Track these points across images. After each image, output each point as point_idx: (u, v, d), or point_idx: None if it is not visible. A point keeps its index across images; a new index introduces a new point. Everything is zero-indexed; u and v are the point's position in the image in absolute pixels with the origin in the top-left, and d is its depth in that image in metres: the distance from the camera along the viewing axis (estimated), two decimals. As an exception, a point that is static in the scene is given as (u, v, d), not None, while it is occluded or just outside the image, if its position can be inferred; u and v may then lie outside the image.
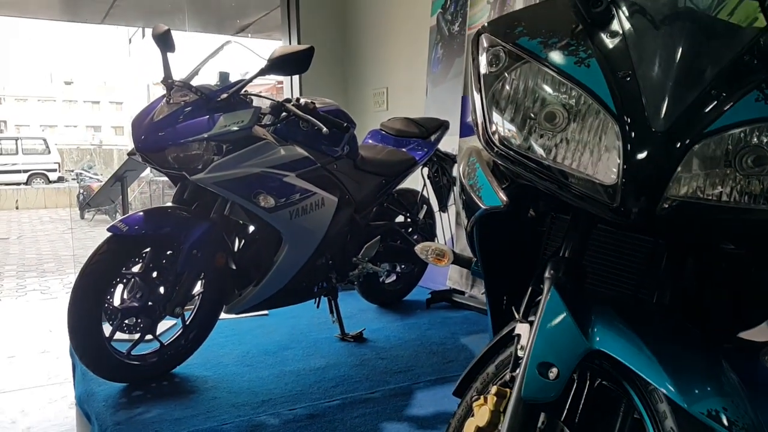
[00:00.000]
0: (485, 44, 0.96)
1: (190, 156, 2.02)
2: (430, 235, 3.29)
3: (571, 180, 0.86)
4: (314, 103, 2.26)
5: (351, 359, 2.41)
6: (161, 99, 2.13)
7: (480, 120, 0.95)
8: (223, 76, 2.26)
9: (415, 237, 3.16)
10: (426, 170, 3.21)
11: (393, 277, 3.31)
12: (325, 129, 2.16)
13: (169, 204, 2.20)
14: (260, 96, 2.26)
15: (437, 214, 3.32)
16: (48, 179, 17.10)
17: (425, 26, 3.89)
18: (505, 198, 1.00)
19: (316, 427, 1.82)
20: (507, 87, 0.92)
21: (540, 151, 0.89)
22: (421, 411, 1.95)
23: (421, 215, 3.16)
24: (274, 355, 2.46)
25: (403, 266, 3.29)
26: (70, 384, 2.95)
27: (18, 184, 16.15)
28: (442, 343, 2.61)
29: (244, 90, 2.16)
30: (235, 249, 2.37)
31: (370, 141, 3.17)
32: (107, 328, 2.07)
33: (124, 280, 2.10)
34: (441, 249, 1.17)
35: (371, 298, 3.24)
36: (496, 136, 0.93)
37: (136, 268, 2.13)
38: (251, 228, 2.38)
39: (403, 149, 3.03)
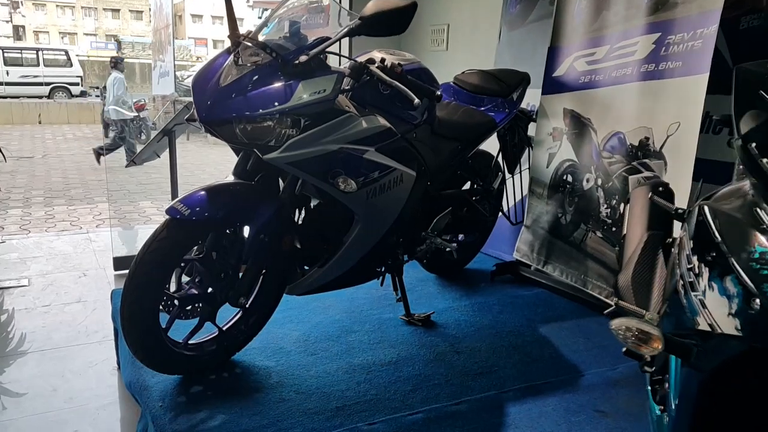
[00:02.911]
0: None
1: (262, 129, 1.72)
2: (498, 203, 3.00)
3: None
4: (401, 66, 1.92)
5: (424, 352, 2.19)
6: (226, 56, 1.81)
7: None
8: (294, 27, 1.92)
9: (485, 206, 2.87)
10: (497, 128, 2.87)
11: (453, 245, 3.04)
12: (417, 101, 1.84)
13: (231, 180, 1.92)
14: (338, 55, 1.93)
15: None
16: (70, 93, 16.76)
17: (501, -42, 3.42)
18: None
19: (404, 453, 1.62)
20: None
21: None
22: (516, 433, 1.73)
23: (496, 184, 2.85)
24: (338, 341, 2.25)
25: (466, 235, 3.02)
26: (110, 344, 2.80)
27: (40, 97, 15.85)
28: (519, 333, 2.37)
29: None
30: (299, 220, 2.11)
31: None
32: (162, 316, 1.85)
33: (182, 264, 1.86)
34: (647, 332, 0.88)
35: (431, 268, 2.99)
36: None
37: (194, 251, 1.88)
38: (317, 200, 2.11)
39: (481, 109, 2.69)
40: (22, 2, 41.39)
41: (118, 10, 42.56)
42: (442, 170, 2.46)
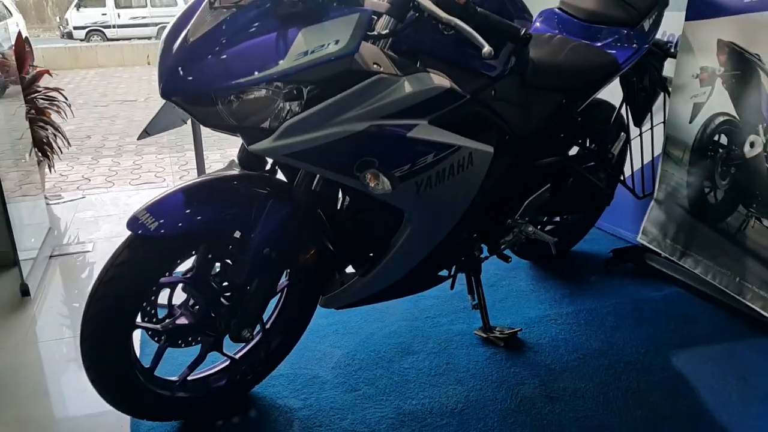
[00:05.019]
0: None
1: (247, 105, 1.16)
2: (618, 170, 2.26)
3: None
4: (467, -10, 1.25)
5: (503, 394, 1.60)
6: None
7: None
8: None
9: (600, 176, 2.15)
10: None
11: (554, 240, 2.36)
12: (487, 48, 1.18)
13: (228, 171, 1.39)
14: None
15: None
16: (177, 32, 16.89)
17: None
18: None
19: None
20: None
21: None
22: None
23: (617, 149, 2.11)
24: (388, 369, 1.71)
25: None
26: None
27: (149, 38, 16.15)
28: (643, 368, 1.71)
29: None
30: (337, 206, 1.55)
31: (540, 27, 2.09)
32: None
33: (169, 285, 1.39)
34: None
35: (523, 253, 2.35)
36: None
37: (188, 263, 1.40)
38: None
39: (597, 45, 1.95)
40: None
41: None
42: (539, 136, 1.78)
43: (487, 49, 1.18)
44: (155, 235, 1.22)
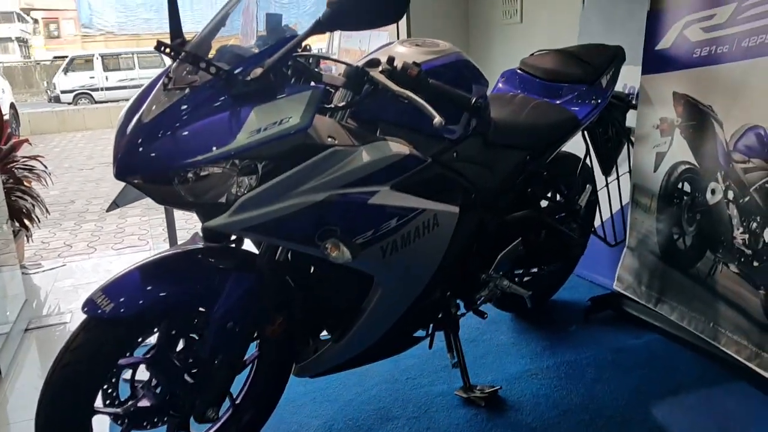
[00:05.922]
0: None
1: (203, 182, 1.17)
2: (589, 220, 2.29)
3: None
4: (419, 66, 1.29)
5: (483, 458, 1.58)
6: (161, 77, 1.27)
7: None
8: (272, 20, 1.34)
9: (572, 227, 2.17)
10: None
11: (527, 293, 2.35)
12: (438, 119, 1.21)
13: (190, 245, 1.39)
14: (325, 57, 1.33)
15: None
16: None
17: None
18: None
19: None
20: None
21: None
22: None
23: (584, 200, 2.14)
24: (367, 436, 1.69)
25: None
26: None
27: (136, 99, 16.38)
28: (624, 421, 1.69)
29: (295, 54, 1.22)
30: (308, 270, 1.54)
31: (503, 87, 2.15)
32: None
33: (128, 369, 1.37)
34: None
35: (503, 305, 2.35)
36: None
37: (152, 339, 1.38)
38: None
39: (558, 102, 2.00)
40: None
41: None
42: (504, 192, 1.81)
43: (437, 120, 1.21)
44: (111, 317, 1.21)
